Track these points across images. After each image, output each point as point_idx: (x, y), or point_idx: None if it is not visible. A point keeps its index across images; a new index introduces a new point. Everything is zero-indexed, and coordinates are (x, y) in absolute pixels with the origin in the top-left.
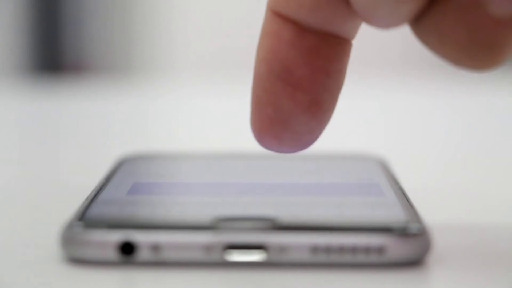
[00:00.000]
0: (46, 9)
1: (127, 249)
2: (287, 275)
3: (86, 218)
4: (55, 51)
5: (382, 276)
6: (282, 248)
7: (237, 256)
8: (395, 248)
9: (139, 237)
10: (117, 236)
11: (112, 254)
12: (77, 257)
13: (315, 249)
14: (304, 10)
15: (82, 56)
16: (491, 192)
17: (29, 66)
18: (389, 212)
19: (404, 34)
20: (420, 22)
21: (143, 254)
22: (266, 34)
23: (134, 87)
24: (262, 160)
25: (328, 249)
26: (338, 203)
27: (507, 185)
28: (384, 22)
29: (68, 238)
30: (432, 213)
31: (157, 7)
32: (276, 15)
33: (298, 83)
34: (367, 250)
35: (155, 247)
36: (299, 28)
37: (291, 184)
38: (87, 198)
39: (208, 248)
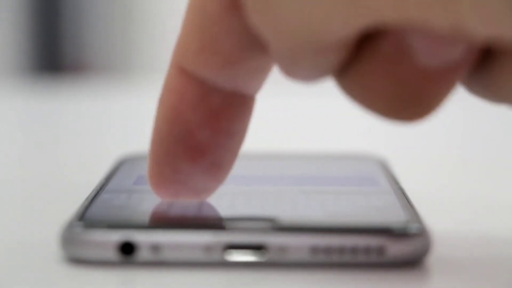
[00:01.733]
0: (46, 9)
1: (127, 249)
2: (287, 275)
3: (86, 218)
4: (55, 51)
5: (382, 276)
6: (282, 248)
7: (237, 256)
8: (395, 248)
9: (139, 237)
10: (117, 236)
11: (112, 254)
12: (77, 257)
13: (315, 249)
14: (212, 69)
15: (82, 56)
16: (492, 193)
17: (29, 66)
18: (389, 212)
19: None
20: (344, 75)
21: (143, 254)
22: (168, 91)
23: (134, 87)
24: (262, 160)
25: (328, 249)
26: (338, 203)
27: (507, 186)
28: (304, 75)
29: (68, 238)
30: (432, 213)
31: (157, 7)
32: (180, 72)
33: (199, 146)
34: (367, 250)
35: (155, 247)
36: (204, 87)
37: (291, 184)
38: (87, 198)
39: (208, 248)
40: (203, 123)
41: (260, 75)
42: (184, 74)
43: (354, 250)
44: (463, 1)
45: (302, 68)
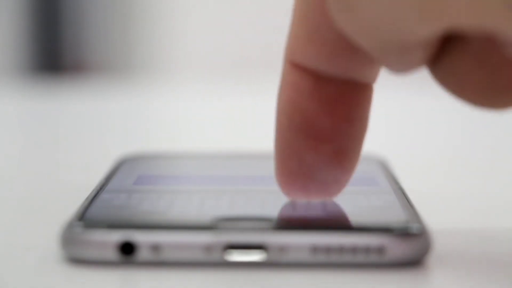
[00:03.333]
0: (46, 9)
1: (127, 249)
2: (287, 275)
3: (86, 218)
4: (55, 51)
5: (382, 276)
6: (282, 248)
7: (237, 256)
8: (395, 248)
9: (139, 237)
10: (117, 236)
11: (112, 254)
12: (77, 257)
13: (315, 249)
14: (322, 59)
15: (82, 56)
16: (492, 193)
17: (29, 66)
18: (389, 212)
19: None
20: (437, 66)
21: (143, 254)
22: (284, 85)
23: (134, 87)
24: (262, 160)
25: (328, 249)
26: (338, 203)
27: (507, 186)
28: (397, 68)
29: (68, 238)
30: (432, 213)
31: (157, 7)
32: (293, 66)
33: (320, 134)
34: (367, 250)
35: (155, 247)
36: (318, 78)
37: None
38: (87, 198)
39: (208, 248)
40: (321, 111)
41: (371, 65)
42: (297, 67)
43: (354, 250)
44: None
45: (392, 62)
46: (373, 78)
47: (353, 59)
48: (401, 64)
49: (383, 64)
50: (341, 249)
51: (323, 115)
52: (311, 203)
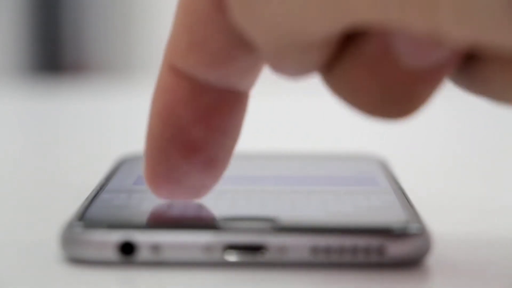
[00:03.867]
0: (46, 9)
1: (127, 249)
2: (287, 275)
3: (86, 218)
4: (55, 51)
5: (382, 276)
6: (282, 248)
7: (237, 256)
8: (395, 248)
9: (139, 237)
10: (117, 236)
11: (112, 254)
12: (77, 257)
13: (315, 249)
14: (203, 66)
15: (82, 56)
16: (492, 193)
17: (29, 66)
18: (389, 212)
19: None
20: (330, 73)
21: (143, 254)
22: (161, 89)
23: (134, 87)
24: (262, 160)
25: (328, 249)
26: (338, 203)
27: (507, 187)
28: (291, 72)
29: (68, 238)
30: (432, 213)
31: (157, 7)
32: (172, 70)
33: (192, 143)
34: (367, 250)
35: (155, 247)
36: (196, 85)
37: (291, 184)
38: (87, 198)
39: (208, 248)
40: (196, 120)
41: (251, 72)
42: (175, 73)
43: (354, 250)
44: (441, 6)
45: (288, 65)
46: (251, 87)
47: (234, 68)
48: (295, 67)
49: (275, 67)
50: (341, 249)
51: (198, 125)
52: (310, 203)
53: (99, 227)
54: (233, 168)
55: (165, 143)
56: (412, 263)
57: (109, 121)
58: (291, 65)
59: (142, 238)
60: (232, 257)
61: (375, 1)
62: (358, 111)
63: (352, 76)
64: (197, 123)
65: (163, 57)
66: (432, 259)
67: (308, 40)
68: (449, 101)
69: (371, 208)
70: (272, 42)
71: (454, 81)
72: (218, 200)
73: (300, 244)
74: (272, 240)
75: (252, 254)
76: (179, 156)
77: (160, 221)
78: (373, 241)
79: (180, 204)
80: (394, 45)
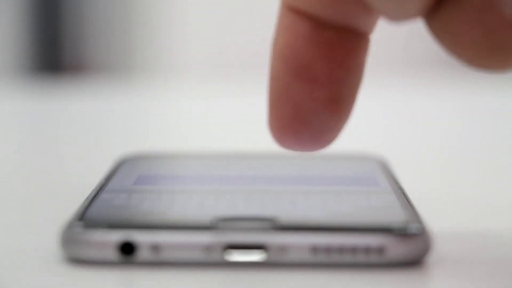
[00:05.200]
0: (46, 9)
1: (127, 249)
2: (287, 275)
3: (86, 218)
4: (55, 51)
5: (382, 276)
6: (282, 248)
7: (237, 256)
8: (395, 248)
9: (139, 237)
10: (117, 236)
11: (112, 254)
12: (77, 257)
13: (315, 249)
14: (320, 4)
15: (82, 56)
16: (492, 193)
17: (29, 66)
18: (389, 212)
19: (404, 33)
20: (433, 19)
21: (143, 254)
22: (281, 30)
23: (134, 87)
24: (262, 160)
25: (328, 249)
26: (338, 203)
27: (507, 186)
28: (393, 16)
29: (68, 238)
30: (432, 213)
31: (157, 7)
32: (291, 10)
33: (316, 79)
34: (367, 250)
35: (155, 247)
36: (315, 23)
37: (291, 184)
38: (87, 198)
39: (208, 248)
40: (318, 56)
41: (368, 13)
42: (294, 12)
43: (354, 250)
44: None
45: (389, 9)
46: (371, 28)
47: (352, 5)
48: (398, 12)
49: (380, 12)
50: (341, 249)
51: (320, 61)
52: (311, 203)
53: (99, 227)
54: (233, 168)
55: (289, 81)
56: (412, 263)
57: (109, 121)
58: (392, 10)
59: (142, 238)
60: (232, 257)
61: None
62: (460, 59)
63: (455, 23)
64: (319, 59)
65: None
66: (432, 259)
67: None
68: (449, 101)
69: (371, 208)
70: None
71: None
72: (218, 200)
73: (300, 244)
74: (272, 240)
75: (252, 254)
76: (303, 93)
77: (160, 221)
78: (373, 241)
79: (180, 204)
80: None
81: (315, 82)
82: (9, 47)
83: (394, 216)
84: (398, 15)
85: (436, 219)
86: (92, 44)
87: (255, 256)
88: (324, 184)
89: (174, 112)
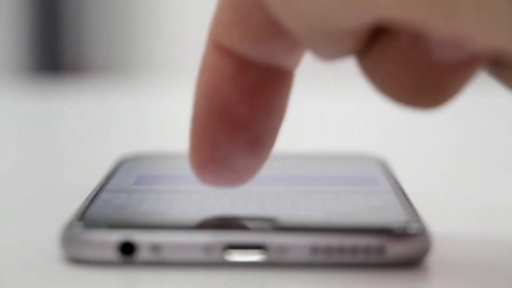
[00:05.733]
0: (46, 9)
1: (127, 249)
2: (287, 275)
3: (86, 218)
4: (55, 51)
5: (382, 276)
6: (282, 248)
7: (237, 256)
8: (395, 248)
9: (139, 237)
10: (117, 236)
11: (112, 254)
12: (77, 257)
13: (315, 249)
14: (247, 42)
15: (82, 56)
16: (492, 193)
17: (29, 66)
18: (389, 212)
19: None
20: (364, 58)
21: (143, 254)
22: (205, 68)
23: (134, 87)
24: None
25: (328, 249)
26: (338, 203)
27: (507, 186)
28: (324, 56)
29: (68, 238)
30: (432, 213)
31: (157, 7)
32: (217, 48)
33: (238, 122)
34: (367, 250)
35: (155, 247)
36: (240, 62)
37: (291, 184)
38: (87, 198)
39: (208, 248)
40: (241, 98)
41: (295, 51)
42: (220, 50)
43: (354, 250)
44: (464, 11)
45: (320, 51)
46: (296, 65)
47: (278, 45)
48: (329, 52)
49: (311, 51)
50: (341, 249)
51: (243, 103)
52: (310, 203)
53: (99, 227)
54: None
55: (210, 122)
56: (412, 263)
57: (109, 121)
58: (323, 50)
59: (142, 238)
60: (232, 257)
61: (399, 1)
62: (390, 99)
63: (383, 65)
64: (242, 101)
65: (208, 34)
66: (432, 259)
67: (338, 31)
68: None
69: (371, 208)
70: (304, 31)
71: (488, 73)
72: (218, 200)
73: (300, 244)
74: (272, 240)
75: (252, 254)
76: (224, 135)
77: (160, 221)
78: (373, 241)
79: (180, 204)
80: (424, 39)
81: (237, 124)
82: (9, 47)
83: (394, 216)
84: (329, 54)
85: (436, 219)
86: (92, 44)
87: (255, 256)
88: (324, 184)
89: (174, 112)
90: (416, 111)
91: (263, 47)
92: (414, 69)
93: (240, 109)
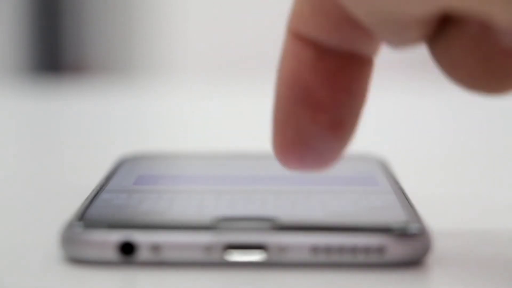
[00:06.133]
0: (46, 9)
1: (127, 249)
2: (287, 275)
3: (86, 218)
4: (55, 51)
5: (382, 276)
6: (282, 248)
7: (237, 256)
8: (395, 248)
9: (139, 237)
10: (117, 236)
11: (112, 254)
12: (77, 257)
13: (315, 249)
14: (325, 30)
15: (82, 56)
16: (492, 193)
17: (29, 66)
18: (389, 212)
19: None
20: (434, 45)
21: (143, 254)
22: (286, 56)
23: (134, 87)
24: (262, 160)
25: (328, 249)
26: (338, 203)
27: (507, 186)
28: (395, 43)
29: (68, 238)
30: (432, 213)
31: (157, 7)
32: (295, 37)
33: (319, 105)
34: (367, 250)
35: (155, 247)
36: (320, 49)
37: (291, 184)
38: (87, 198)
39: (208, 248)
40: (322, 83)
41: (371, 40)
42: (299, 39)
43: (354, 250)
44: None
45: (390, 39)
46: (374, 52)
47: (355, 32)
48: (399, 40)
49: (382, 39)
50: (341, 249)
51: (323, 87)
52: (311, 203)
53: (99, 227)
54: (233, 168)
55: (293, 106)
56: (412, 263)
57: (110, 121)
58: (393, 38)
59: (142, 238)
60: (232, 257)
61: None
62: (459, 85)
63: (451, 52)
64: (322, 85)
65: (287, 25)
66: (432, 259)
67: (405, 19)
68: (449, 100)
69: (371, 208)
70: (374, 20)
71: None
72: (218, 200)
73: (300, 244)
74: (272, 240)
75: (252, 254)
76: (307, 118)
77: (160, 221)
78: (373, 241)
79: (180, 204)
80: (491, 26)
81: (318, 107)
82: (9, 47)
83: (394, 216)
84: (399, 42)
85: (436, 219)
86: (92, 44)
87: (255, 256)
88: (324, 184)
89: (174, 112)
90: (484, 96)
91: (340, 36)
92: (482, 55)
93: (322, 93)
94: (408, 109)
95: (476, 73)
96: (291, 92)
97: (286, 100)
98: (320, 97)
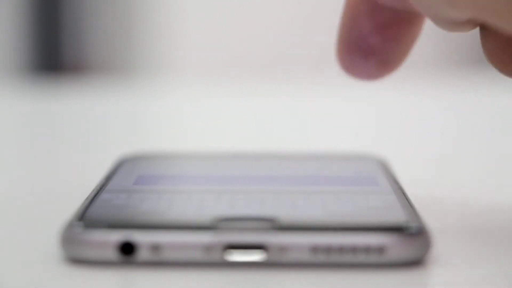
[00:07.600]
0: (46, 9)
1: (127, 249)
2: (287, 275)
3: (86, 218)
4: (55, 51)
5: (382, 276)
6: (282, 248)
7: (237, 256)
8: (395, 248)
9: (139, 237)
10: (117, 236)
11: (112, 254)
12: (77, 257)
13: (315, 249)
14: None
15: (82, 56)
16: (491, 192)
17: (29, 66)
18: (389, 212)
19: None
20: (480, 34)
21: (143, 254)
22: (347, 6)
23: (134, 87)
24: (262, 160)
25: (328, 249)
26: (338, 203)
27: (507, 186)
28: (443, 29)
29: (68, 238)
30: (432, 213)
31: (158, 7)
32: None
33: (370, 48)
34: (367, 250)
35: (155, 247)
36: (376, 5)
37: (291, 184)
38: (87, 198)
39: (208, 248)
40: (374, 31)
41: None
42: None
43: (354, 249)
44: None
45: (444, 27)
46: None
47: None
48: (446, 28)
49: (437, 26)
50: (341, 249)
51: (376, 35)
52: (311, 203)
53: (99, 227)
54: (232, 168)
55: (349, 44)
56: (412, 262)
57: (109, 121)
58: (441, 26)
59: (142, 238)
60: (232, 257)
61: (476, 5)
62: (498, 71)
63: (488, 45)
64: (375, 33)
65: None
66: (432, 259)
67: (447, 19)
68: (450, 101)
69: (371, 208)
70: (427, 13)
71: None
72: (218, 200)
73: (300, 244)
74: (272, 240)
75: (252, 254)
76: (359, 56)
77: (160, 221)
78: (373, 241)
79: (180, 204)
80: None
81: (369, 50)
82: (9, 47)
83: (394, 216)
84: (447, 29)
85: (436, 219)
86: (92, 44)
87: (255, 256)
88: (324, 184)
89: (174, 112)
90: None
91: (395, 1)
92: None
93: (373, 39)
94: (408, 109)
95: (509, 65)
96: (349, 34)
97: (345, 38)
98: (372, 43)
